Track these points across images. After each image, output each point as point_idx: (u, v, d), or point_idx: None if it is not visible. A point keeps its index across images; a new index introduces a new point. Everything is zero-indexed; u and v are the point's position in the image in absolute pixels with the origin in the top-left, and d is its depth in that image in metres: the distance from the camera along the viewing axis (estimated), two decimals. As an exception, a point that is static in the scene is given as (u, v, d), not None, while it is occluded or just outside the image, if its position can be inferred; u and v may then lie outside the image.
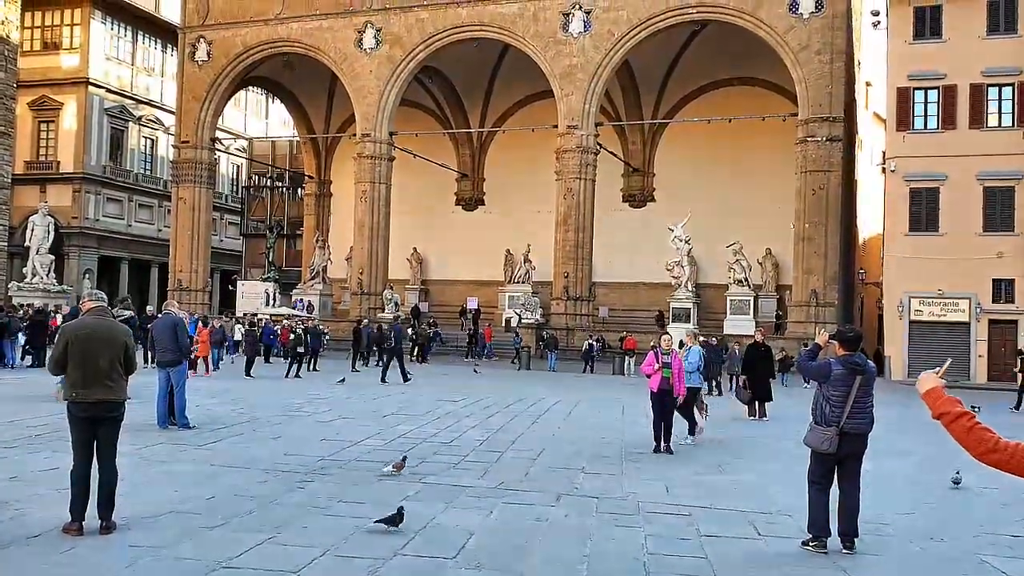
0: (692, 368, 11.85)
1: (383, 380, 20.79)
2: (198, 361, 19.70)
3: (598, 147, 37.57)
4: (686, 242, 35.88)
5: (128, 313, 15.09)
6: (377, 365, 27.98)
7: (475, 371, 26.85)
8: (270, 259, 45.00)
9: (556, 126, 37.37)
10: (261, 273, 46.61)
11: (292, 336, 23.65)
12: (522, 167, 44.89)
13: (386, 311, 38.81)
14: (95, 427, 6.28)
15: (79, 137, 48.61)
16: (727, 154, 41.54)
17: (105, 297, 6.75)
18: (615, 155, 41.63)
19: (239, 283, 45.59)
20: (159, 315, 12.19)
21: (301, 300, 41.65)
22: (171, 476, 8.51)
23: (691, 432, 11.97)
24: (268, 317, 34.48)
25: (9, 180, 45.23)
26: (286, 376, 21.71)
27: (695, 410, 12.16)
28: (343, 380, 20.45)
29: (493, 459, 10.18)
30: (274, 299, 40.81)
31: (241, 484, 8.21)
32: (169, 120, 51.06)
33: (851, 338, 6.75)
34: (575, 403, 17.90)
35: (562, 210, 37.15)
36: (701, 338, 30.29)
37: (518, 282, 42.83)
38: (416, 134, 42.36)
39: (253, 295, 41.85)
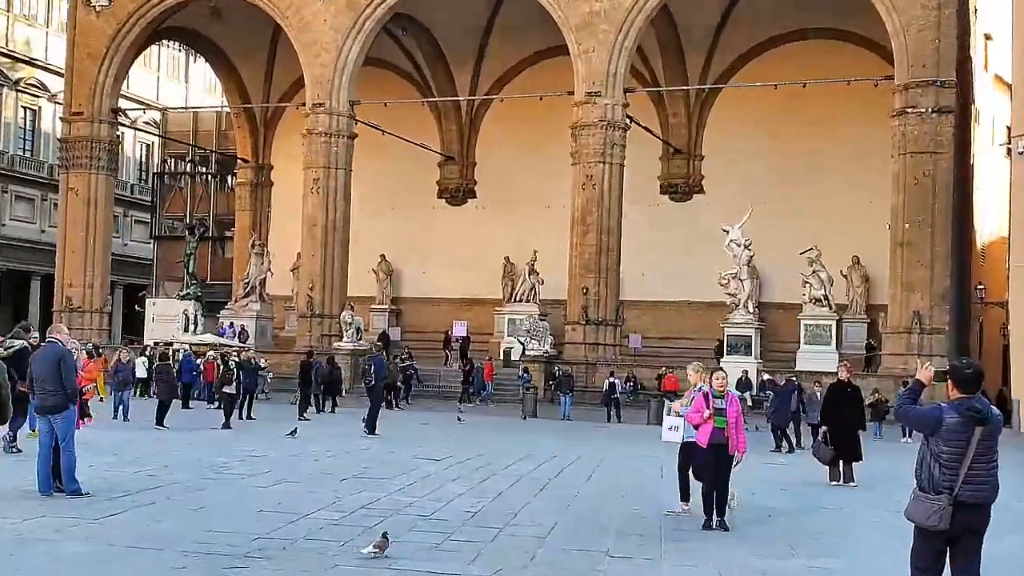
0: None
1: (369, 429, 21.06)
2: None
3: (628, 121, 37.72)
4: (746, 247, 35.96)
5: (20, 343, 15.22)
6: (333, 412, 28.05)
7: (459, 419, 26.90)
8: (190, 270, 45.00)
9: (572, 93, 37.53)
10: (178, 288, 46.57)
11: (220, 371, 23.64)
12: (526, 148, 45.05)
13: (345, 339, 38.81)
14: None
15: (-64, 107, 48.91)
16: (800, 130, 41.71)
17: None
18: (650, 131, 41.81)
19: (149, 302, 45.58)
20: (42, 344, 12.13)
21: (230, 324, 41.69)
22: (57, 560, 8.45)
23: (684, 499, 11.89)
24: (188, 347, 34.47)
25: None
26: (225, 426, 21.94)
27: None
28: (294, 432, 20.43)
29: (488, 537, 10.13)
30: (196, 323, 40.82)
31: (150, 570, 8.15)
32: (57, 84, 51.27)
33: (969, 376, 6.69)
34: (598, 462, 17.86)
35: (579, 204, 37.26)
36: (766, 376, 30.76)
37: (520, 300, 42.84)
38: (386, 103, 42.57)
39: (168, 318, 41.84)
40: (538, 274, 42.58)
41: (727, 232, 36.17)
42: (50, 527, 9.71)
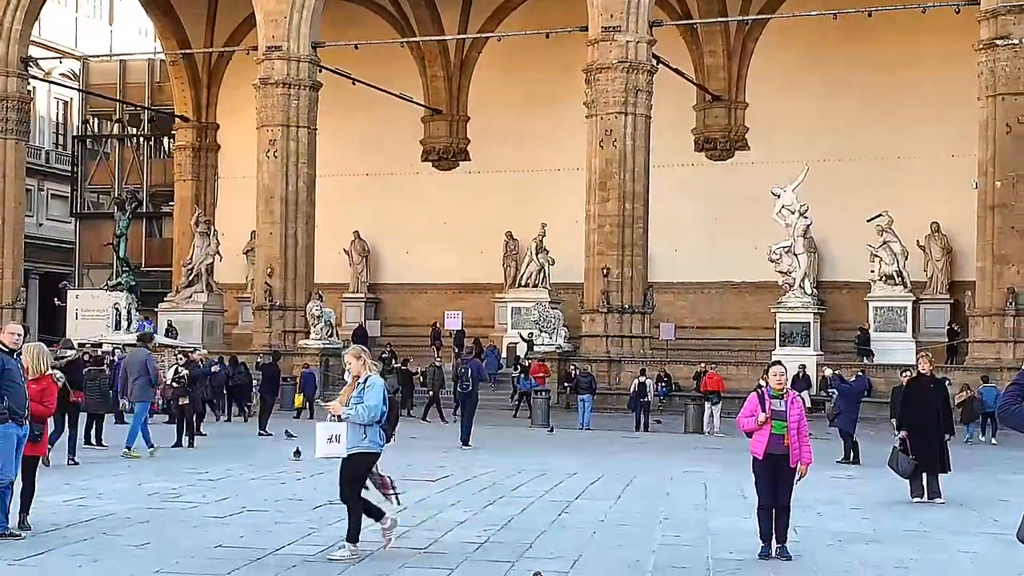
0: (367, 418, 10.50)
1: (464, 442, 23.43)
2: None
3: (655, 62, 37.63)
4: (801, 214, 35.92)
5: (72, 353, 19.06)
6: (228, 420, 28.50)
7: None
8: (121, 254, 44.98)
9: (585, 28, 37.44)
10: (107, 277, 46.56)
11: (174, 380, 23.71)
12: (529, 98, 44.98)
13: (312, 335, 38.82)
14: None
15: None
16: (865, 70, 41.70)
17: None
18: (682, 74, 41.73)
19: (71, 293, 45.59)
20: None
21: (147, 319, 41.49)
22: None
23: (379, 520, 10.92)
24: (120, 348, 34.44)
25: None
26: (179, 444, 21.97)
27: (380, 487, 11.14)
28: (298, 452, 20.12)
29: (498, 573, 10.15)
30: (129, 319, 40.84)
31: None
32: (-47, 30, 51.10)
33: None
34: (627, 480, 17.85)
35: (596, 166, 37.22)
36: (828, 371, 30.76)
37: (527, 285, 42.80)
38: (357, 45, 42.48)
39: (95, 312, 41.86)
40: (547, 252, 42.53)
41: (778, 196, 36.11)
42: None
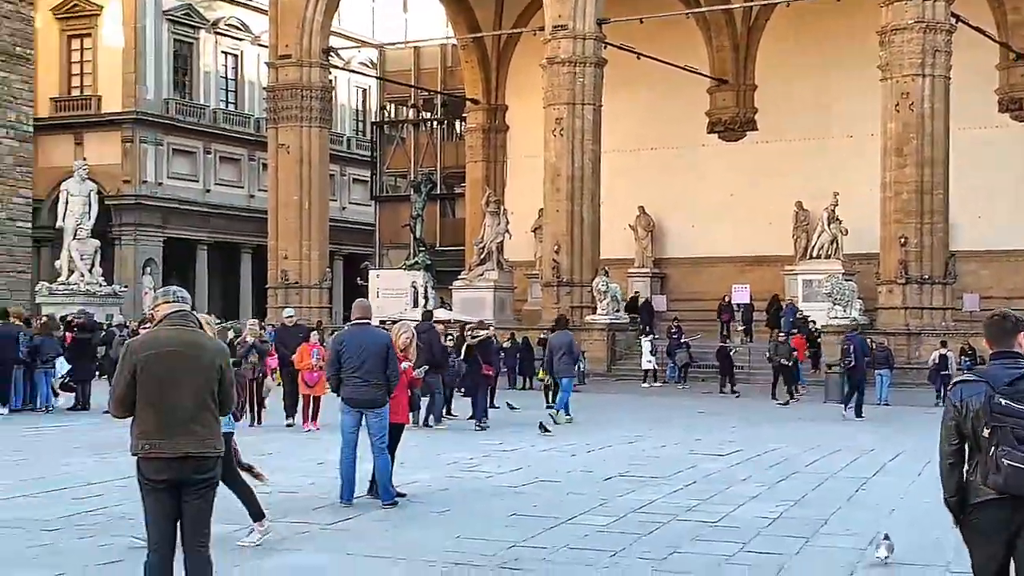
0: None
1: (858, 414, 24.55)
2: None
3: (953, 20, 35.91)
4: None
5: (485, 333, 24.65)
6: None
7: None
8: (417, 235, 46.62)
9: (878, -11, 36.16)
10: (405, 257, 48.33)
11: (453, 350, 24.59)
12: (819, 63, 43.84)
13: (600, 309, 39.20)
14: (178, 497, 6.73)
15: (128, 57, 52.71)
16: None
17: (188, 297, 7.21)
18: (983, 32, 39.60)
19: (372, 273, 47.52)
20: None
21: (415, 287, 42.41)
22: (287, 573, 9.03)
23: (257, 520, 9.97)
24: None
25: (30, 128, 49.56)
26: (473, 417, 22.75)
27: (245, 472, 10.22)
28: (543, 426, 20.44)
29: (792, 549, 10.08)
30: (427, 296, 42.27)
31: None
32: (259, 24, 54.34)
33: None
34: (927, 457, 17.20)
35: (893, 131, 35.94)
36: None
37: (818, 256, 41.85)
38: (641, 20, 42.45)
39: (394, 291, 43.45)
40: (840, 222, 41.39)
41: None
42: (280, 534, 10.36)
